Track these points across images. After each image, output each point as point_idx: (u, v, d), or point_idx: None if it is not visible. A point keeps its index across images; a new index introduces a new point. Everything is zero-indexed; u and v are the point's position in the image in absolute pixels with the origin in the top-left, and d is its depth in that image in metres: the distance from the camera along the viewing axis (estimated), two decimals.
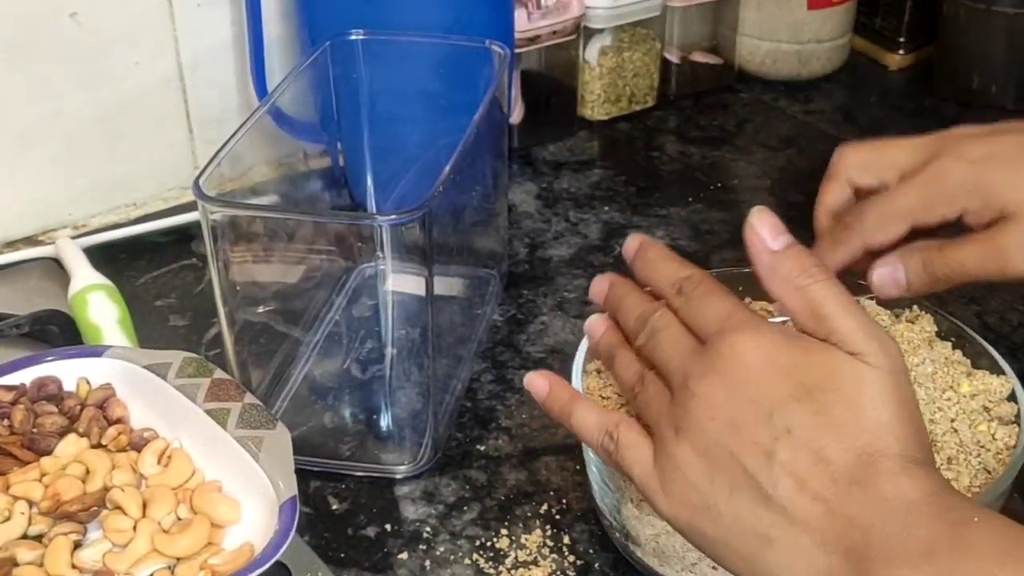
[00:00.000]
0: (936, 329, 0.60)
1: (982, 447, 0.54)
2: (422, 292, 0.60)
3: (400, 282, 0.68)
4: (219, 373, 0.58)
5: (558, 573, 0.58)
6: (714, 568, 0.53)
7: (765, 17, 1.07)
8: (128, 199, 0.88)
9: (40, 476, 0.54)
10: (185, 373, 0.57)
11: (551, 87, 0.98)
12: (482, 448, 0.66)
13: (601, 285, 0.54)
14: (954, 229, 0.56)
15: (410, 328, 0.71)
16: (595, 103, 1.00)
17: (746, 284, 0.56)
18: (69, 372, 0.59)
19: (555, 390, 0.53)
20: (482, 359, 0.73)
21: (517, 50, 0.88)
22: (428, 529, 0.61)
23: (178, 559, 0.51)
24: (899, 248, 0.57)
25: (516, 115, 0.95)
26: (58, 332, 0.69)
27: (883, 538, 0.41)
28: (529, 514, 0.61)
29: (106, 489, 0.53)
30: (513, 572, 0.58)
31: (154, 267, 0.81)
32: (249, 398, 0.56)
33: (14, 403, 0.57)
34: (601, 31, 0.98)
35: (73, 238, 0.81)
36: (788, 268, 0.46)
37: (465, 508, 0.62)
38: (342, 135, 0.79)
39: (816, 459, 0.43)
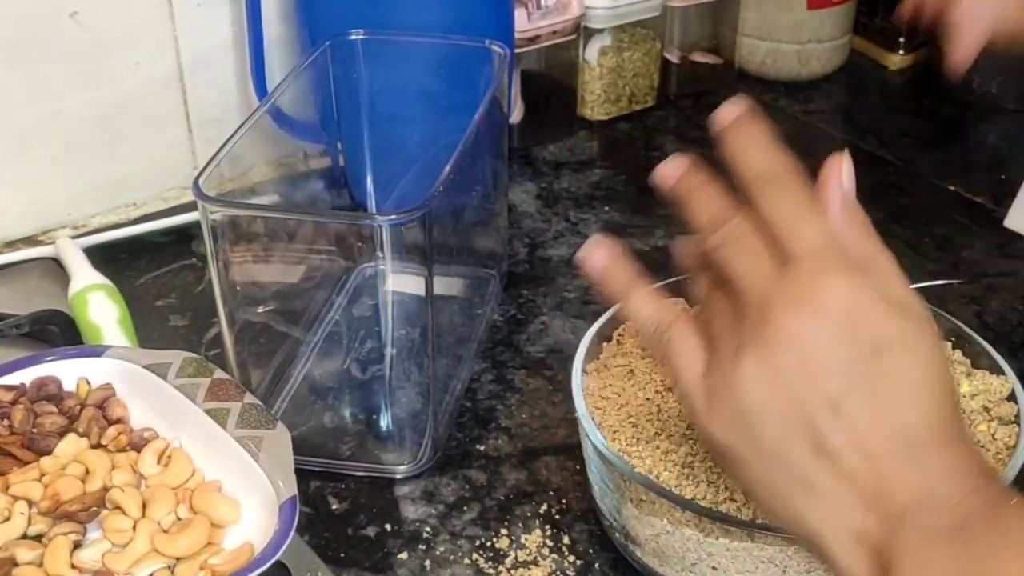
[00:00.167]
0: (936, 329, 0.60)
1: (982, 447, 0.54)
2: (422, 292, 0.60)
3: (400, 282, 0.68)
4: (219, 373, 0.58)
5: (558, 573, 0.58)
6: (714, 569, 0.53)
7: (765, 17, 1.07)
8: (128, 199, 0.88)
9: (40, 476, 0.54)
10: (185, 373, 0.57)
11: (551, 87, 0.98)
12: (482, 448, 0.66)
13: (671, 169, 0.48)
14: None
15: (410, 328, 0.71)
16: (595, 103, 1.00)
17: None
18: (69, 372, 0.59)
19: (612, 269, 0.50)
20: (482, 359, 0.73)
21: (517, 50, 0.88)
22: (428, 529, 0.61)
23: (178, 559, 0.51)
24: None
25: (516, 115, 0.95)
26: (58, 332, 0.69)
27: (923, 507, 0.40)
28: (529, 514, 0.61)
29: (106, 489, 0.53)
30: (513, 572, 0.58)
31: (154, 267, 0.81)
32: (249, 398, 0.56)
33: (14, 403, 0.57)
34: (601, 31, 0.98)
35: (73, 238, 0.81)
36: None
37: (465, 508, 0.62)
38: (342, 135, 0.79)
39: (881, 417, 0.42)
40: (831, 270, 0.43)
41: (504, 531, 0.60)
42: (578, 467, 0.64)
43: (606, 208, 0.89)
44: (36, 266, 0.80)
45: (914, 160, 0.95)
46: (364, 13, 0.76)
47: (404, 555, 0.59)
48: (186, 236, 0.83)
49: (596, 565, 0.58)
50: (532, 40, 0.92)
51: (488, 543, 0.60)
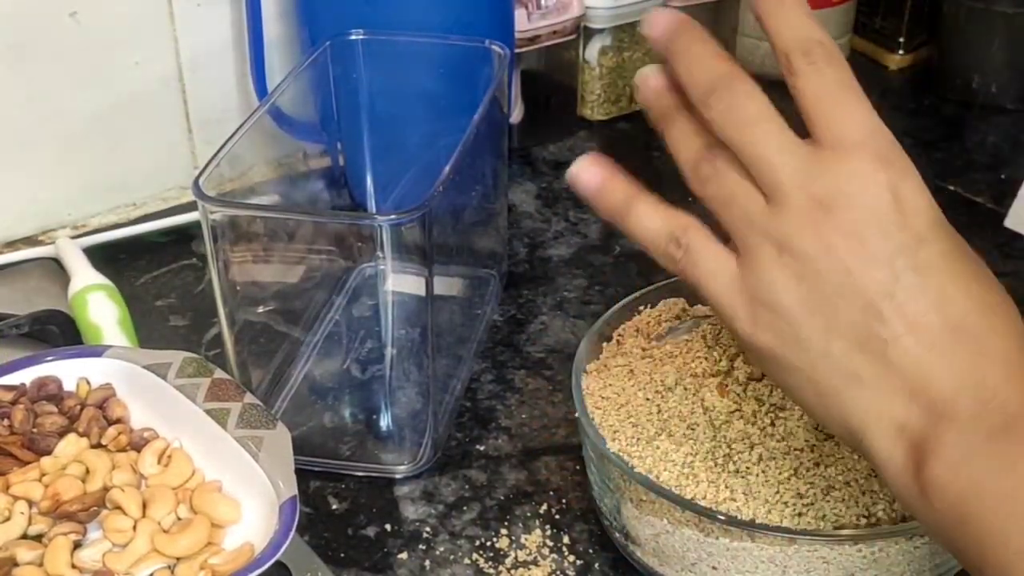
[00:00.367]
0: None
1: None
2: (422, 292, 0.60)
3: (400, 282, 0.68)
4: (219, 373, 0.58)
5: (558, 573, 0.58)
6: (714, 568, 0.53)
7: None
8: (128, 199, 0.88)
9: (40, 476, 0.54)
10: (185, 373, 0.57)
11: (551, 87, 0.98)
12: (482, 448, 0.66)
13: (663, 20, 0.44)
14: None
15: (410, 328, 0.71)
16: (595, 103, 1.00)
17: None
18: (69, 372, 0.59)
19: (608, 184, 0.46)
20: (482, 359, 0.73)
21: (517, 50, 0.88)
22: (428, 529, 0.61)
23: (178, 559, 0.51)
24: None
25: (516, 115, 0.95)
26: (58, 332, 0.69)
27: (966, 400, 0.39)
28: (529, 514, 0.61)
29: (106, 489, 0.53)
30: (513, 572, 0.58)
31: (154, 267, 0.81)
32: (249, 398, 0.56)
33: (14, 403, 0.57)
34: (601, 31, 0.98)
35: (73, 238, 0.81)
36: None
37: (465, 508, 0.62)
38: (342, 135, 0.79)
39: (929, 306, 0.40)
40: (877, 157, 0.41)
41: (504, 531, 0.60)
42: (578, 467, 0.64)
43: None
44: (36, 266, 0.80)
45: (914, 160, 0.94)
46: (364, 13, 0.76)
47: (404, 555, 0.59)
48: (186, 236, 0.83)
49: (596, 565, 0.58)
50: (532, 40, 0.92)
51: (488, 543, 0.60)
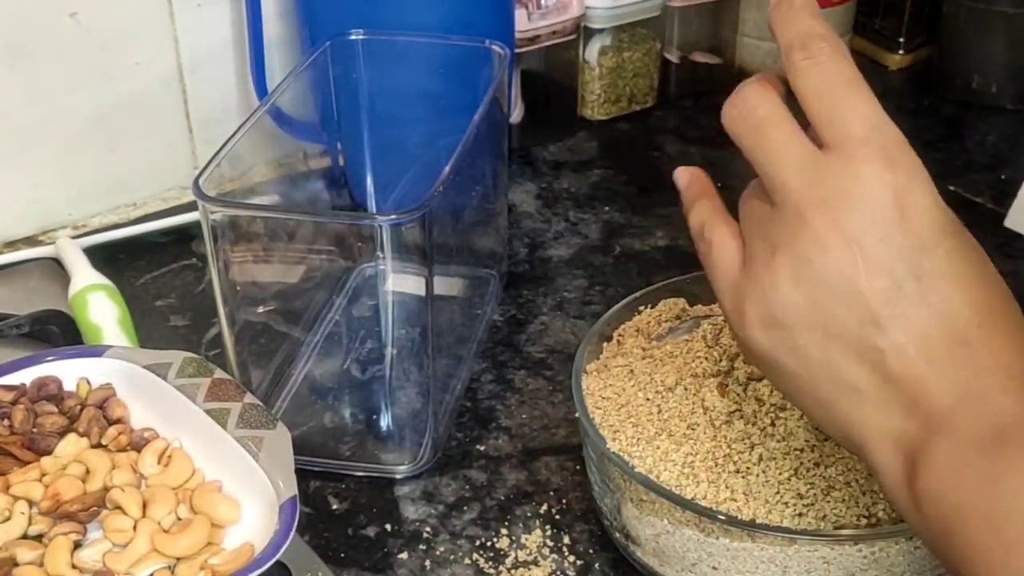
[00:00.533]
0: None
1: None
2: (422, 292, 0.60)
3: (400, 282, 0.68)
4: (219, 373, 0.58)
5: (558, 573, 0.58)
6: (714, 569, 0.53)
7: (765, 17, 1.06)
8: (128, 199, 0.88)
9: (40, 476, 0.54)
10: (185, 373, 0.57)
11: (551, 87, 0.98)
12: (482, 448, 0.66)
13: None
14: None
15: (410, 328, 0.71)
16: (595, 103, 1.00)
17: None
18: (69, 372, 0.59)
19: (696, 184, 0.47)
20: (482, 359, 0.73)
21: (517, 50, 0.88)
22: (428, 529, 0.61)
23: (178, 559, 0.51)
24: None
25: (516, 115, 0.95)
26: (58, 332, 0.69)
27: (961, 412, 0.39)
28: (529, 514, 0.61)
29: (106, 489, 0.53)
30: (513, 572, 0.58)
31: (154, 267, 0.81)
32: (249, 398, 0.56)
33: (14, 403, 0.57)
34: (601, 31, 0.98)
35: (73, 238, 0.81)
36: None
37: (465, 508, 0.62)
38: (342, 135, 0.79)
39: (927, 316, 0.39)
40: (875, 158, 0.40)
41: (504, 531, 0.60)
42: (578, 467, 0.63)
43: (606, 208, 0.89)
44: (36, 266, 0.80)
45: None
46: (364, 13, 0.76)
47: (404, 555, 0.59)
48: (186, 236, 0.83)
49: (596, 565, 0.58)
50: (532, 40, 0.92)
51: (488, 543, 0.60)
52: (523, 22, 0.90)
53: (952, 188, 0.91)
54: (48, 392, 0.58)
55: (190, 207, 0.79)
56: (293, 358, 0.71)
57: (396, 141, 0.78)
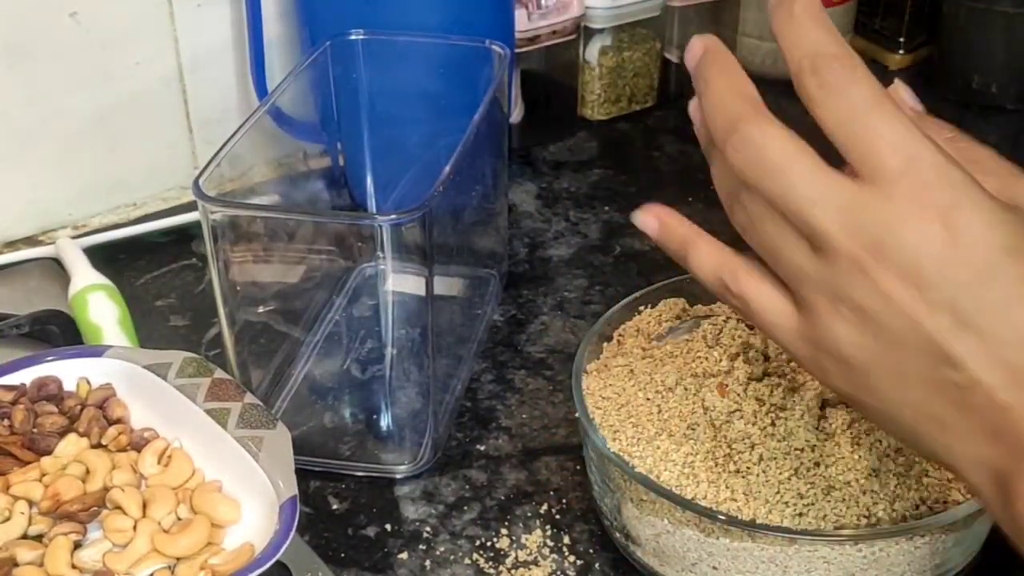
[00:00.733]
0: None
1: None
2: (422, 292, 0.60)
3: (400, 282, 0.68)
4: (219, 373, 0.58)
5: (558, 573, 0.58)
6: (714, 568, 0.53)
7: (765, 17, 1.05)
8: (128, 199, 0.88)
9: (40, 476, 0.54)
10: (185, 373, 0.57)
11: (551, 87, 0.98)
12: (482, 448, 0.66)
13: (695, 48, 0.44)
14: None
15: (410, 328, 0.71)
16: (595, 103, 1.00)
17: None
18: (69, 372, 0.59)
19: (665, 230, 0.45)
20: (482, 359, 0.73)
21: (517, 50, 0.88)
22: (428, 529, 0.61)
23: (178, 559, 0.51)
24: None
25: (516, 115, 0.95)
26: (58, 332, 0.69)
27: None
28: (529, 514, 0.61)
29: (106, 489, 0.53)
30: (513, 572, 0.58)
31: (154, 267, 0.81)
32: (249, 398, 0.56)
33: (14, 403, 0.57)
34: (601, 31, 0.98)
35: (73, 238, 0.81)
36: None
37: (465, 508, 0.62)
38: (342, 135, 0.79)
39: (1010, 339, 0.38)
40: (918, 194, 0.38)
41: (504, 531, 0.60)
42: (578, 467, 0.63)
43: (606, 208, 0.89)
44: (36, 266, 0.80)
45: None
46: (364, 13, 0.76)
47: (404, 555, 0.59)
48: (186, 236, 0.83)
49: (596, 565, 0.58)
50: (532, 40, 0.92)
51: (488, 543, 0.60)
52: (523, 22, 0.90)
53: None
54: (48, 392, 0.58)
55: (190, 207, 0.79)
56: (293, 358, 0.71)
57: (396, 141, 0.78)
